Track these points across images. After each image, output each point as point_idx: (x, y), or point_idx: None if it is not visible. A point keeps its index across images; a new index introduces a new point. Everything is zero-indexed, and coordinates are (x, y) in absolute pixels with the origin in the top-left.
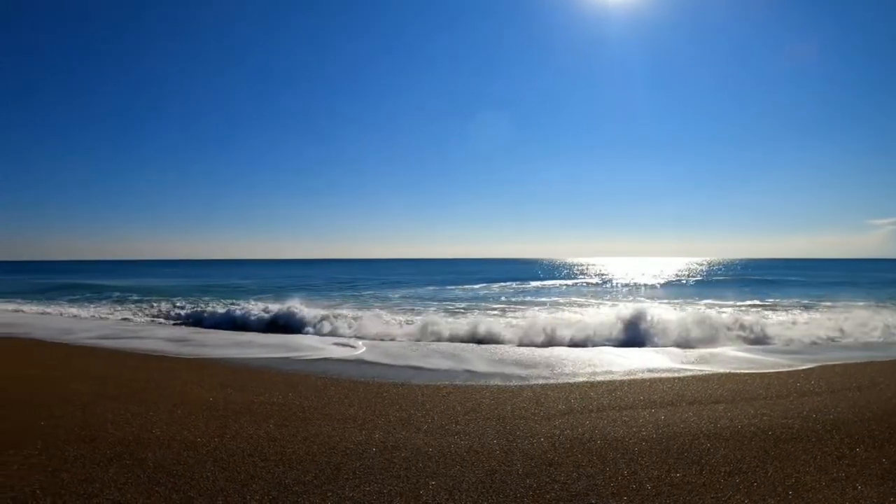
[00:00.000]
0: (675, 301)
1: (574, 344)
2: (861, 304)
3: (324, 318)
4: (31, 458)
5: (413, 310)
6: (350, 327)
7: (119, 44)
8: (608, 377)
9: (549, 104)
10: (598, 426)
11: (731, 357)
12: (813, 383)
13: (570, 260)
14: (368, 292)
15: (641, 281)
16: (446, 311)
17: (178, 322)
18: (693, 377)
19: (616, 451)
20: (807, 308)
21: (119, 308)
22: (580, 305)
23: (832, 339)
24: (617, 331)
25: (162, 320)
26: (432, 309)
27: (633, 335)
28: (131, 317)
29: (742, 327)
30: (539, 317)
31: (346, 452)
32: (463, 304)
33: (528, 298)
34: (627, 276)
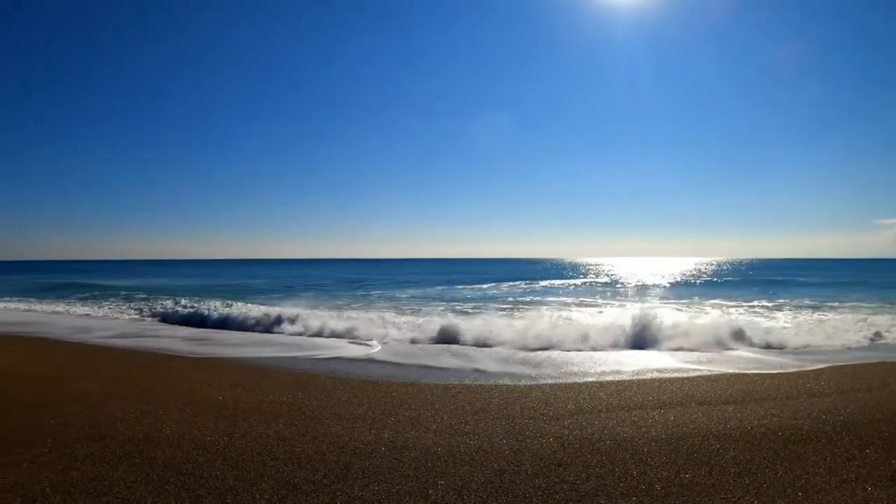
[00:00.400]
0: (683, 301)
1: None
2: (873, 304)
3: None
4: (41, 456)
5: (420, 310)
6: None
7: (119, 43)
8: (617, 377)
9: (553, 104)
10: (608, 426)
11: (740, 357)
12: (823, 384)
13: (576, 260)
14: (376, 292)
15: (650, 281)
16: (457, 311)
17: (187, 322)
18: (702, 377)
19: (625, 451)
20: (816, 308)
21: (127, 307)
22: (590, 306)
23: (842, 340)
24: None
25: (169, 320)
26: (441, 308)
27: (643, 340)
28: (138, 317)
29: (751, 328)
30: (542, 319)
31: (355, 452)
32: (471, 305)
33: (537, 298)
34: (635, 277)
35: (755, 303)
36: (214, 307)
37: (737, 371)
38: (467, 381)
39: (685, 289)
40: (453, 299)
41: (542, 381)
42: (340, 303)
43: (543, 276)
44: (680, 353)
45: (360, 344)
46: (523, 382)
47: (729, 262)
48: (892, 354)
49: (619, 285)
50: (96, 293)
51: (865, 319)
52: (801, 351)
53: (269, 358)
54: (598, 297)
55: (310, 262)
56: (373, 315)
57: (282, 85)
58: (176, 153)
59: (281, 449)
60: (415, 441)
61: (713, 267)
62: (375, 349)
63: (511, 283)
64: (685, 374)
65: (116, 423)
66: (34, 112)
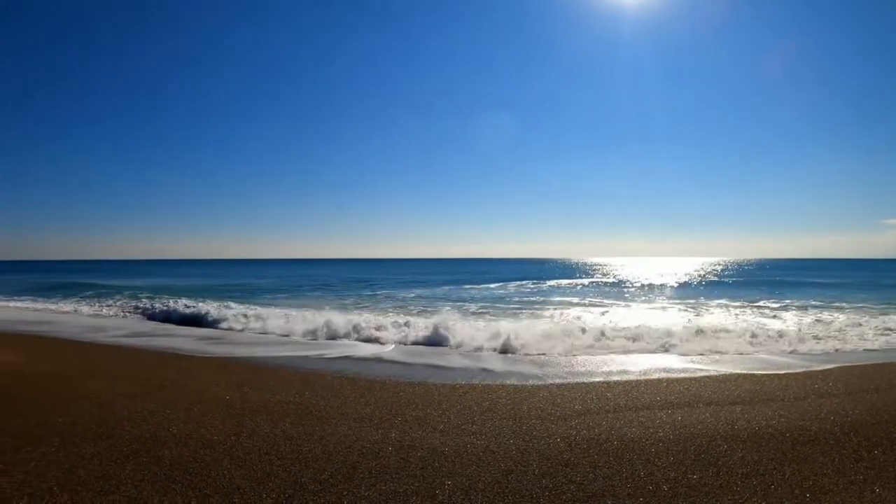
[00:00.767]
0: (689, 301)
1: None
2: (880, 305)
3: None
4: (49, 454)
5: (427, 310)
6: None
7: (119, 43)
8: (624, 377)
9: (554, 103)
10: (615, 427)
11: (748, 358)
12: (831, 385)
13: (579, 260)
14: (383, 292)
15: (656, 281)
16: (468, 312)
17: (190, 321)
18: (710, 378)
19: (633, 451)
20: (823, 309)
21: (132, 307)
22: (601, 306)
23: (850, 341)
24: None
25: (172, 319)
26: (447, 308)
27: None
28: (142, 318)
29: (760, 328)
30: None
31: (362, 451)
32: (478, 305)
33: (551, 298)
34: (641, 277)
35: (762, 303)
36: (237, 315)
37: (744, 371)
38: (474, 381)
39: (691, 290)
40: (460, 299)
41: (550, 381)
42: (347, 302)
43: (549, 276)
44: (686, 353)
45: (372, 343)
46: (530, 382)
47: (733, 263)
48: None
49: (625, 285)
50: (102, 292)
51: (873, 320)
52: (809, 351)
53: (278, 357)
54: (604, 297)
55: (311, 261)
56: (386, 316)
57: (282, 85)
58: (176, 153)
59: (288, 448)
60: (422, 441)
61: (718, 267)
62: (388, 349)
63: (518, 283)
64: (692, 375)
65: (124, 421)
66: (34, 112)
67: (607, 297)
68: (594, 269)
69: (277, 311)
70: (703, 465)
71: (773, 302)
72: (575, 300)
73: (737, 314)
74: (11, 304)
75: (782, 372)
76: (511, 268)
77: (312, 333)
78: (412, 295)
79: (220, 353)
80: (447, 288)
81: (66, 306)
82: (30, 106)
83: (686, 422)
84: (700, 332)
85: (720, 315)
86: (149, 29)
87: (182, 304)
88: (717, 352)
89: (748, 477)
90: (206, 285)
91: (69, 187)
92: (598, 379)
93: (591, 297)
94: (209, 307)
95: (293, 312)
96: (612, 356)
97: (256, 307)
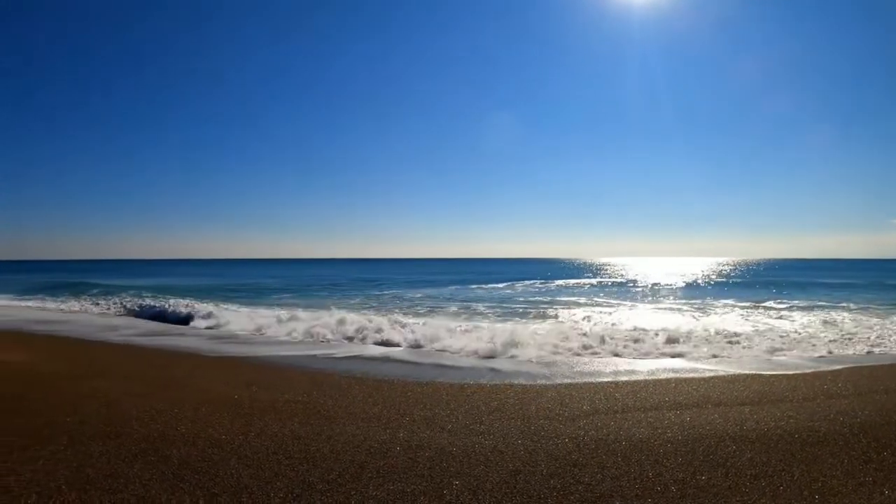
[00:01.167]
0: (695, 302)
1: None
2: (889, 305)
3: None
4: (57, 453)
5: (433, 310)
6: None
7: (120, 43)
8: (632, 378)
9: (555, 103)
10: (623, 427)
11: (756, 358)
12: (840, 386)
13: (584, 259)
14: (390, 291)
15: (663, 281)
16: (475, 312)
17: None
18: (718, 378)
19: (641, 452)
20: (831, 309)
21: (139, 305)
22: (608, 306)
23: (859, 342)
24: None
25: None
26: (452, 308)
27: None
28: (148, 318)
29: (767, 328)
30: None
31: (370, 451)
32: (486, 304)
33: (558, 298)
34: (647, 277)
35: (769, 303)
36: (240, 314)
37: (753, 372)
38: (483, 381)
39: (698, 290)
40: (467, 299)
41: (558, 381)
42: (354, 302)
43: (556, 276)
44: (694, 354)
45: (382, 345)
46: (539, 382)
47: (740, 263)
48: None
49: (631, 285)
50: (108, 291)
51: (881, 320)
52: (818, 352)
53: (286, 357)
54: (611, 297)
55: (313, 261)
56: (393, 315)
57: (283, 85)
58: (176, 153)
59: (296, 448)
60: (430, 441)
61: (724, 267)
62: (396, 349)
63: (526, 283)
64: (701, 375)
65: (132, 421)
66: (34, 112)
67: (614, 297)
68: (600, 269)
69: (282, 312)
70: (711, 466)
71: (781, 302)
72: (582, 300)
73: (744, 315)
74: (23, 303)
75: (791, 372)
76: (517, 268)
77: (320, 334)
78: (419, 295)
79: (228, 353)
80: (454, 288)
81: (75, 305)
82: (30, 106)
83: (695, 422)
84: (707, 332)
85: (727, 315)
86: (149, 29)
87: (184, 304)
88: (725, 352)
89: (757, 478)
90: (211, 285)
91: (70, 187)
92: (606, 379)
93: (598, 296)
94: (213, 307)
95: (300, 312)
96: (620, 358)
97: (260, 307)
